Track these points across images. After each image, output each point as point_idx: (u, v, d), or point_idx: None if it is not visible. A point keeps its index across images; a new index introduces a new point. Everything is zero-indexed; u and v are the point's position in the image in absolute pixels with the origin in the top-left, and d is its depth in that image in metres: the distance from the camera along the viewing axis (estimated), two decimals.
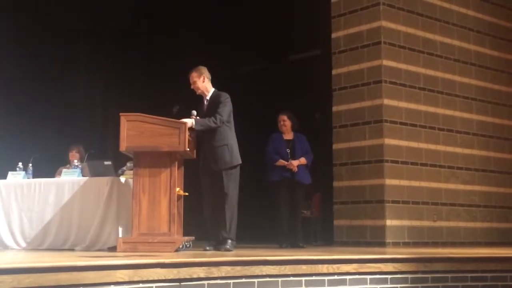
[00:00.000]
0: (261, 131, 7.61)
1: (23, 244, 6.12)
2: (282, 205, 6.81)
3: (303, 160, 6.87)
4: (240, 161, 5.83)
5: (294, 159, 6.83)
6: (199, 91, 5.88)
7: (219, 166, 5.71)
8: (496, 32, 9.38)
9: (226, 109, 5.76)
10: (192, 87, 5.87)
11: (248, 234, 7.27)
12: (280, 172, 6.82)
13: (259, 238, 7.89)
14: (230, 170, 5.75)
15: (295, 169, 6.77)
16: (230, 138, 5.81)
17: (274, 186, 6.85)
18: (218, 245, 5.62)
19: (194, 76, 5.84)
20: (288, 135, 7.01)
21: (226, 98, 5.81)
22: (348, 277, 4.29)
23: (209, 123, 5.66)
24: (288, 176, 6.80)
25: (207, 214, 5.79)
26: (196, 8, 10.46)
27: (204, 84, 5.86)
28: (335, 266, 4.26)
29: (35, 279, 3.22)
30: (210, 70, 5.97)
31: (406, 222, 7.91)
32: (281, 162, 6.82)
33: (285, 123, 7.00)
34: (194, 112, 5.65)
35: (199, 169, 5.84)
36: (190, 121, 5.49)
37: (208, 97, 5.89)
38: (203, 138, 5.81)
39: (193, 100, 6.08)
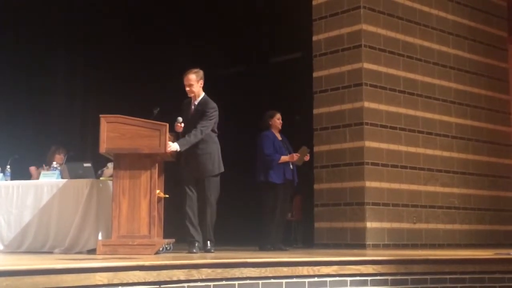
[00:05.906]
0: (241, 133, 7.60)
1: (1, 247, 6.05)
2: (278, 208, 6.60)
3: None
4: (222, 169, 5.77)
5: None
6: (192, 94, 5.74)
7: (202, 173, 5.67)
8: (475, 36, 9.48)
9: (211, 122, 5.66)
10: (186, 89, 5.70)
11: (224, 237, 7.22)
12: (283, 174, 6.60)
13: (235, 240, 7.86)
14: (213, 178, 5.71)
15: (295, 158, 6.62)
16: (212, 146, 5.73)
17: (275, 188, 6.59)
18: (203, 247, 5.63)
19: (192, 79, 5.67)
20: (279, 135, 6.84)
21: (213, 111, 5.67)
22: (328, 279, 4.30)
23: (194, 139, 5.54)
24: (290, 178, 6.66)
25: (192, 218, 5.68)
26: (178, 10, 10.42)
27: (199, 88, 5.74)
28: (315, 268, 4.26)
29: (12, 282, 3.18)
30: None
31: (386, 224, 7.95)
32: (284, 158, 6.61)
33: (281, 121, 6.84)
34: (180, 119, 5.54)
35: (182, 175, 5.74)
36: (175, 147, 5.40)
37: (196, 102, 5.75)
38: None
39: (173, 102, 6.04)
